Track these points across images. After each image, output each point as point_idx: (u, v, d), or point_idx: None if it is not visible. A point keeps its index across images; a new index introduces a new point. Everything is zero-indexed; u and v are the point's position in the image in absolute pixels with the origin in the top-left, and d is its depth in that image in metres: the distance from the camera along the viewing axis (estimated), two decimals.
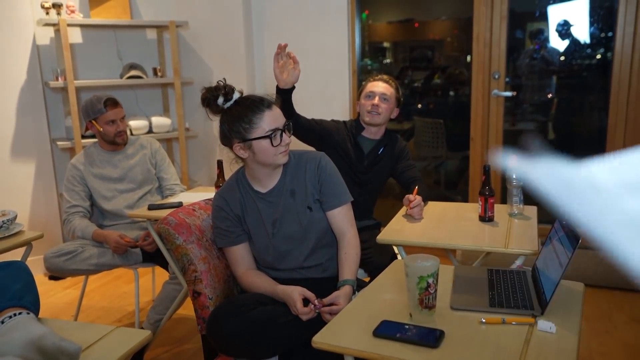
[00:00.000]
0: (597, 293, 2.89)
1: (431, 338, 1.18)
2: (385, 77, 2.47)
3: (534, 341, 1.17)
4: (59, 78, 3.29)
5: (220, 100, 1.66)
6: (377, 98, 2.39)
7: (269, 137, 1.63)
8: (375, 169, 2.45)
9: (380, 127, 2.46)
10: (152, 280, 3.12)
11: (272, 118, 1.64)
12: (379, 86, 2.42)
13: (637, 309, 2.71)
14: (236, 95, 1.68)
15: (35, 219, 3.44)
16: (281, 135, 1.65)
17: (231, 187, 1.78)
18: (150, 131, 3.64)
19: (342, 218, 1.78)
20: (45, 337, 1.19)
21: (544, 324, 1.21)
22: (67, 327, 1.39)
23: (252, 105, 1.64)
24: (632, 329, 2.53)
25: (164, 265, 2.52)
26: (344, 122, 2.53)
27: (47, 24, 3.26)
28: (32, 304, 1.41)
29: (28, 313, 1.35)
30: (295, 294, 1.57)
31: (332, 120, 2.52)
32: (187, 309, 2.79)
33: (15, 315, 1.32)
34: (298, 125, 2.27)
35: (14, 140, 3.34)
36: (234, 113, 1.65)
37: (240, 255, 1.75)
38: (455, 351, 1.15)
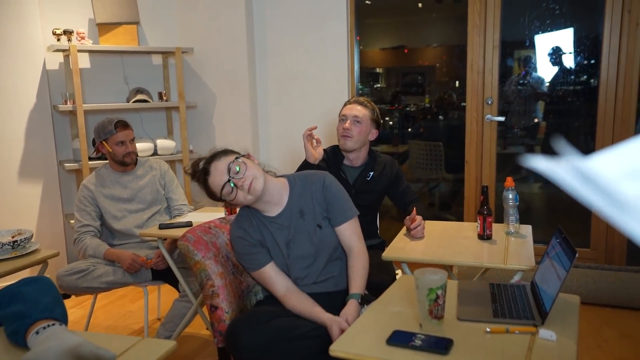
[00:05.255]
0: (588, 309, 2.99)
1: (441, 346, 1.28)
2: (361, 99, 2.49)
3: (536, 348, 1.27)
4: (68, 102, 3.38)
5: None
6: (348, 122, 2.41)
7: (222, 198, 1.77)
8: (364, 196, 2.45)
9: (359, 152, 2.45)
10: (157, 298, 3.18)
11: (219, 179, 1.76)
12: (353, 109, 2.42)
13: (627, 325, 2.81)
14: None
15: (41, 239, 3.48)
16: (231, 188, 1.73)
17: (245, 217, 1.87)
18: (155, 153, 3.73)
19: (350, 233, 1.89)
20: (82, 346, 1.26)
21: (545, 333, 1.31)
22: (94, 338, 1.44)
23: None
24: (623, 344, 2.64)
25: (173, 283, 2.60)
26: (325, 150, 2.49)
27: (57, 50, 3.36)
28: (62, 316, 1.48)
29: (60, 324, 1.43)
30: (335, 328, 1.65)
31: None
32: (194, 327, 2.86)
33: (49, 326, 1.39)
34: None
35: (22, 161, 3.42)
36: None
37: (273, 274, 1.81)
38: (464, 358, 1.24)
